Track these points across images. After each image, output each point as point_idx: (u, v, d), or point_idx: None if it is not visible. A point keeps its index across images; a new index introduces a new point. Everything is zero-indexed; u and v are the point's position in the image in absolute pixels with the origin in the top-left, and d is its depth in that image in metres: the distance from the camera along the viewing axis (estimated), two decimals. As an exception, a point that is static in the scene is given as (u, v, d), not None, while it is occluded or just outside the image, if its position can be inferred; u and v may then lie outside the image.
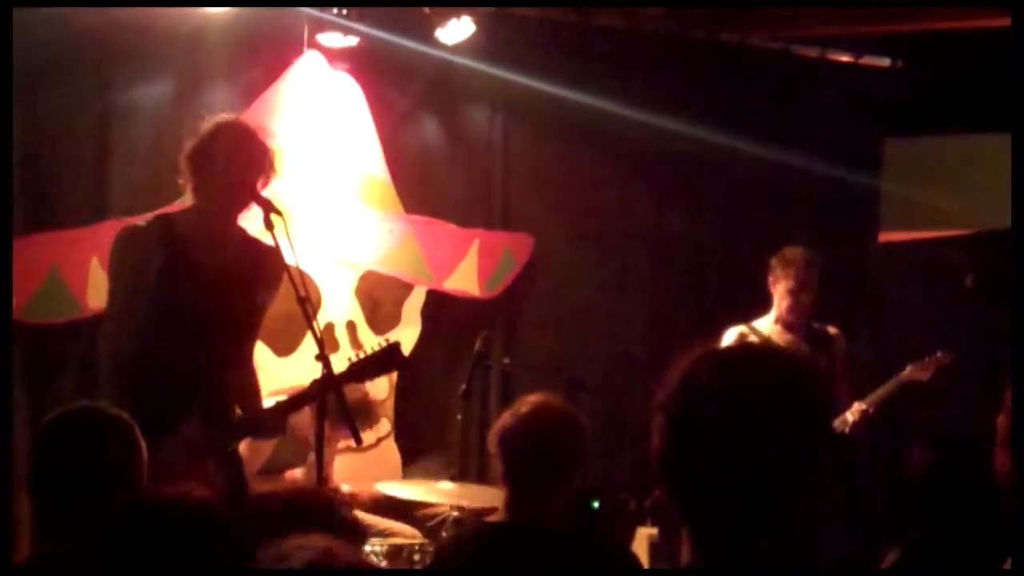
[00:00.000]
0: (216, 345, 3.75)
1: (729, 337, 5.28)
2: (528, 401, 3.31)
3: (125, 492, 2.44)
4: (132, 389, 3.61)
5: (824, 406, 1.67)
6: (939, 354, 5.30)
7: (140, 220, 3.76)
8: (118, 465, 2.62)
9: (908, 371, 5.31)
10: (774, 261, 5.32)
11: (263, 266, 3.83)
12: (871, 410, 5.26)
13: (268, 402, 4.25)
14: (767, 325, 5.35)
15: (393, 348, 3.79)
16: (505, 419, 3.29)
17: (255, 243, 3.89)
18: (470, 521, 4.39)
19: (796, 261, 5.26)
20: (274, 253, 3.77)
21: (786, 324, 5.31)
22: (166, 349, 3.67)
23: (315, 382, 3.60)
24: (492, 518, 3.43)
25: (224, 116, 3.95)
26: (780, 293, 5.29)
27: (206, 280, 3.73)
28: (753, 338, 5.27)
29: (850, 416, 5.22)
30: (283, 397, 4.71)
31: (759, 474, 1.58)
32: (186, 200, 3.81)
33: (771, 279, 5.32)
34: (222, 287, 3.74)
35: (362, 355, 3.82)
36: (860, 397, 5.31)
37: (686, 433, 1.63)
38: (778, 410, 1.59)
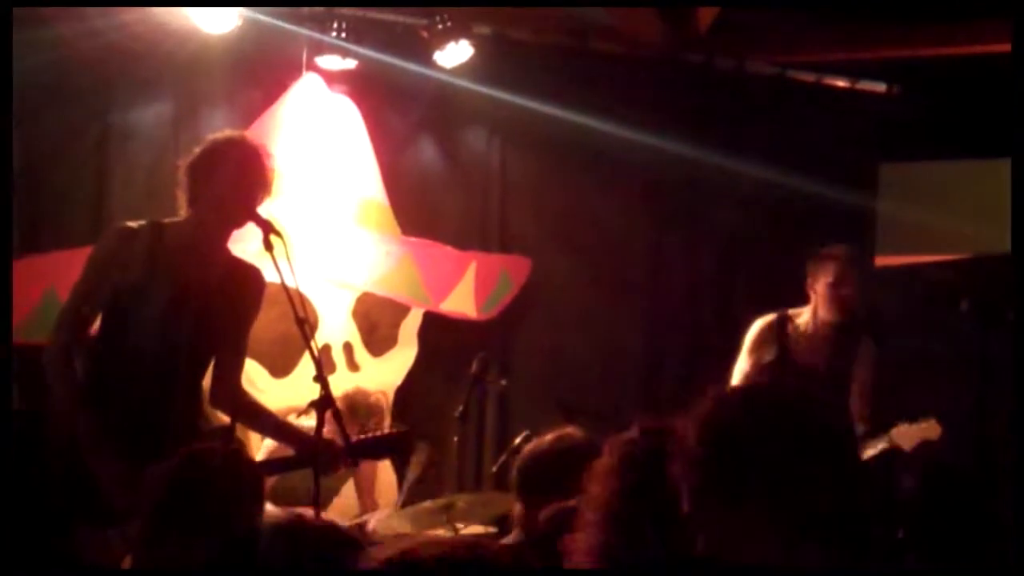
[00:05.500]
0: (183, 361, 3.75)
1: (761, 322, 5.15)
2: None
3: (243, 527, 2.51)
4: (97, 393, 3.63)
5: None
6: (932, 422, 4.96)
7: (135, 223, 3.74)
8: (238, 502, 2.81)
9: (895, 432, 4.96)
10: (809, 262, 5.13)
11: (244, 288, 3.81)
12: None
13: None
14: (803, 316, 5.16)
15: (405, 436, 3.83)
16: None
17: (239, 264, 3.87)
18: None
19: (838, 256, 5.06)
20: (256, 276, 3.77)
21: (820, 320, 5.11)
22: (132, 357, 3.67)
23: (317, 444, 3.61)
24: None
25: (231, 132, 3.96)
26: (819, 290, 5.09)
27: (183, 295, 3.71)
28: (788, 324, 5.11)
29: None
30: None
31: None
32: (180, 215, 3.80)
33: (808, 280, 5.12)
34: (198, 304, 3.73)
35: (372, 435, 3.84)
36: (873, 412, 5.06)
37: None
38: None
